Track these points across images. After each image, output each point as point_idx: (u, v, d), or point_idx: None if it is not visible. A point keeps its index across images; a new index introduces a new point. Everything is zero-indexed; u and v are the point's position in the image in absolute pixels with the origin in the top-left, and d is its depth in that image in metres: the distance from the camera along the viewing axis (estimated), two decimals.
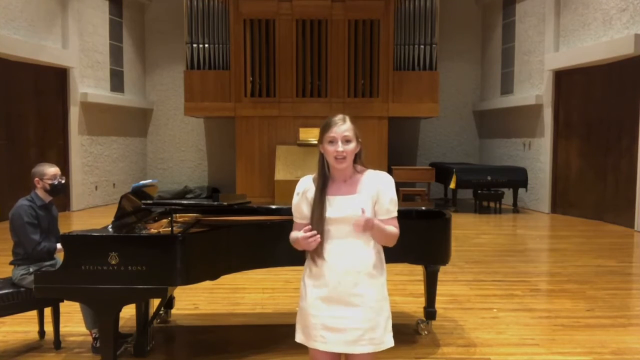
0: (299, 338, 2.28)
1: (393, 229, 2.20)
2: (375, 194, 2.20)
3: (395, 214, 2.23)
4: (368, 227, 2.09)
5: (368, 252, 2.19)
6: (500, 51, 12.55)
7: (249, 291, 5.09)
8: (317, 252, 2.17)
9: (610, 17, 9.09)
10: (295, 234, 2.22)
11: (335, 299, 2.16)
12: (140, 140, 13.23)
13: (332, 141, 2.15)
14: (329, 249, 2.18)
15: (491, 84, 12.98)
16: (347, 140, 2.15)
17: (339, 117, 2.20)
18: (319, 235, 2.11)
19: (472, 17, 13.39)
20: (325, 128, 2.18)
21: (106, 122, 11.74)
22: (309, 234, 2.10)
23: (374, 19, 11.19)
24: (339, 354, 2.24)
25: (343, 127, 2.16)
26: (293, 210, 2.28)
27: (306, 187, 2.25)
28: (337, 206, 2.17)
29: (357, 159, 2.24)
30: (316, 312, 2.19)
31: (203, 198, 11.45)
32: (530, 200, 11.28)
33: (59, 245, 3.53)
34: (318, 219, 2.16)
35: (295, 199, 2.27)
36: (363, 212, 2.08)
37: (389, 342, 2.20)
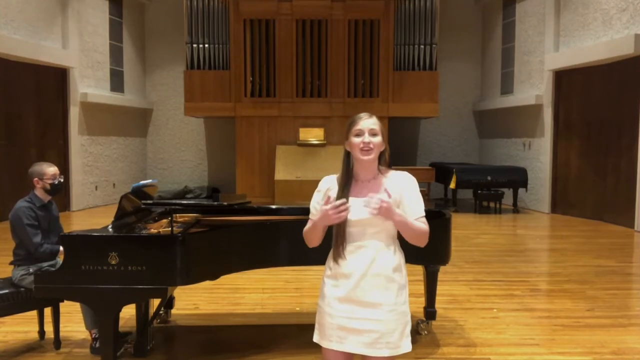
0: (316, 338, 2.25)
1: (421, 225, 2.15)
2: (399, 196, 2.16)
3: (422, 213, 2.18)
4: (385, 212, 2.01)
5: (388, 255, 2.16)
6: (500, 51, 12.55)
7: (249, 291, 5.09)
8: (339, 252, 2.15)
9: (610, 17, 9.08)
10: (306, 227, 2.19)
11: (353, 300, 2.13)
12: (140, 140, 13.23)
13: (359, 134, 2.14)
14: (349, 250, 2.15)
15: (491, 84, 12.98)
16: (374, 134, 2.15)
17: (365, 113, 2.21)
18: (348, 207, 2.04)
19: (472, 17, 13.39)
20: (351, 123, 2.18)
21: (106, 122, 11.74)
22: (338, 202, 2.03)
23: (374, 19, 11.19)
24: (351, 355, 2.21)
25: (370, 120, 2.17)
26: (311, 207, 2.24)
27: (329, 185, 2.22)
28: (359, 208, 2.11)
29: (381, 159, 2.21)
30: (333, 311, 2.16)
31: (203, 198, 11.46)
32: (530, 200, 11.28)
33: (62, 247, 3.52)
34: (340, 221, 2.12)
35: (316, 197, 2.23)
36: (389, 195, 2.01)
37: (406, 346, 2.16)
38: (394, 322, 2.13)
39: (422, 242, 2.19)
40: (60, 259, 3.42)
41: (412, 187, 2.19)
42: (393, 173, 2.23)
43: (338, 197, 2.13)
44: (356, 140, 2.14)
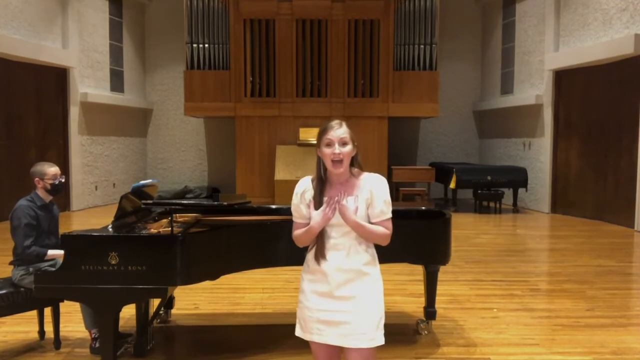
0: (298, 332, 2.37)
1: (380, 228, 2.26)
2: (369, 197, 2.27)
3: (389, 215, 2.29)
4: (340, 212, 2.18)
5: (360, 251, 2.27)
6: (500, 51, 12.55)
7: (249, 291, 5.09)
8: (322, 252, 2.26)
9: (610, 17, 9.09)
10: (299, 231, 2.30)
11: (329, 294, 2.25)
12: (140, 140, 13.23)
13: (329, 144, 2.24)
14: (326, 248, 2.28)
15: (491, 84, 12.98)
16: (343, 143, 2.24)
17: (336, 121, 2.30)
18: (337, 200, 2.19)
19: (472, 17, 13.39)
20: (322, 132, 2.28)
21: (106, 122, 11.74)
22: (332, 202, 2.17)
23: (374, 19, 11.19)
24: (337, 348, 2.31)
25: (340, 130, 2.26)
26: (292, 210, 2.37)
27: (305, 188, 2.34)
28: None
29: (353, 162, 2.32)
30: (312, 305, 2.28)
31: (203, 198, 11.45)
32: (530, 200, 11.28)
33: (49, 252, 3.51)
34: None
35: (294, 200, 2.35)
36: (356, 210, 2.21)
37: (380, 339, 2.26)
38: (367, 314, 2.24)
39: (381, 243, 2.30)
40: (60, 259, 3.42)
41: (381, 189, 2.29)
42: (365, 175, 2.33)
43: (314, 200, 2.27)
44: (327, 150, 2.24)
